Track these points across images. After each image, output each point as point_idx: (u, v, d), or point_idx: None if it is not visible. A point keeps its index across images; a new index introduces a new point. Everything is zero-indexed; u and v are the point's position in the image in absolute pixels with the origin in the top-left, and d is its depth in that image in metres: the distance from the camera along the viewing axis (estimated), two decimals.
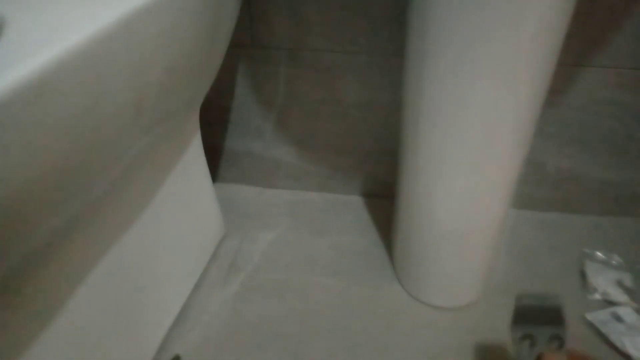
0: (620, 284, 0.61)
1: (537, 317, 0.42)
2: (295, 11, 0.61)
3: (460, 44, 0.39)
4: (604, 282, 0.62)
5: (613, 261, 0.64)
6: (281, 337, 0.57)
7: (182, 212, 0.57)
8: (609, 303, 0.60)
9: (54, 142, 0.28)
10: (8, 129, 0.25)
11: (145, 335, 0.52)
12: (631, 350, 0.53)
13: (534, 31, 0.37)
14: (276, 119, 0.71)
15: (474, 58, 0.39)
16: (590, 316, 0.58)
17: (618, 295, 0.60)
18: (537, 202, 0.73)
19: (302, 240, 0.70)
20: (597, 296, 0.60)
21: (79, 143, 0.31)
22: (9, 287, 0.34)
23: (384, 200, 0.76)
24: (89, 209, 0.40)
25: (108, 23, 0.31)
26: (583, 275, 0.63)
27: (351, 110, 0.68)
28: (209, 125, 0.73)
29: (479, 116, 0.42)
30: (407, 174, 0.52)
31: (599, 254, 0.65)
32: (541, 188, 0.71)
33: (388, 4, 0.58)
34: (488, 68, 0.39)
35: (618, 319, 0.57)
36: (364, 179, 0.76)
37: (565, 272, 0.64)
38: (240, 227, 0.72)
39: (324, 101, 0.68)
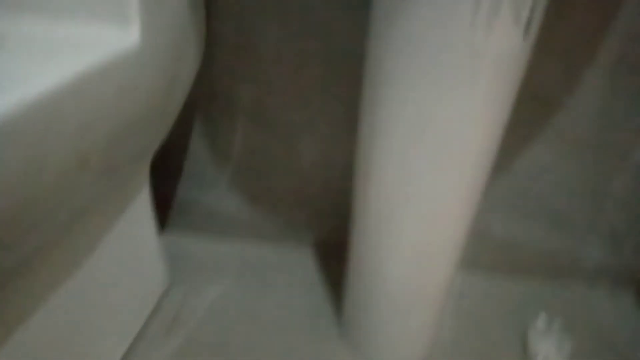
0: (560, 349, 0.63)
1: None
2: (257, 68, 0.62)
3: (408, 116, 0.40)
4: (545, 347, 0.63)
5: (555, 326, 0.66)
6: None
7: (124, 262, 0.55)
8: None
9: None
10: None
11: None
12: None
13: (483, 100, 0.39)
14: (231, 171, 0.71)
15: (422, 129, 0.40)
16: None
17: None
18: (482, 266, 0.75)
19: (249, 295, 0.69)
20: None
21: (16, 196, 0.30)
22: None
23: (335, 257, 0.76)
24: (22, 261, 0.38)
25: (59, 81, 0.31)
26: (525, 339, 0.65)
27: (307, 167, 0.69)
28: (161, 173, 0.72)
29: (427, 179, 0.43)
30: (358, 233, 0.53)
31: (541, 319, 0.67)
32: (486, 252, 0.73)
33: (349, 82, 0.60)
34: (436, 133, 0.40)
35: None
36: (316, 235, 0.76)
37: (508, 337, 0.66)
38: (186, 279, 0.70)
39: (281, 157, 0.69)
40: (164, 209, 0.76)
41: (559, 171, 0.65)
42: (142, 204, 0.57)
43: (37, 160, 0.30)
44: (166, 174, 0.73)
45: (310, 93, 0.63)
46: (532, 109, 0.61)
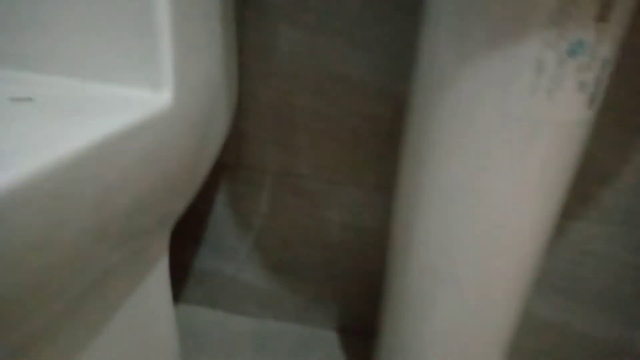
0: None
1: None
2: (284, 136, 0.60)
3: (456, 187, 0.37)
4: None
5: None
6: None
7: (136, 336, 0.51)
8: None
9: None
10: None
11: None
12: None
13: (540, 172, 0.35)
14: (253, 241, 0.68)
15: (471, 202, 0.37)
16: None
17: None
18: (526, 350, 0.68)
19: None
20: None
21: (23, 269, 0.26)
22: None
23: (361, 338, 0.70)
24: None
25: (84, 143, 0.28)
26: None
27: (334, 239, 0.65)
28: (179, 241, 0.69)
29: (476, 258, 0.39)
30: (391, 317, 0.48)
31: None
32: (527, 337, 0.67)
33: (377, 141, 0.58)
34: (487, 207, 0.37)
35: None
36: (342, 313, 0.71)
37: None
38: (198, 356, 0.65)
39: (306, 227, 0.65)
40: (180, 277, 0.72)
41: (605, 251, 0.60)
42: (159, 275, 0.54)
43: (51, 231, 0.27)
44: (183, 241, 0.70)
45: (339, 158, 0.60)
46: (582, 185, 0.57)
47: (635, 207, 0.57)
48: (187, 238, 0.69)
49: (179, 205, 0.48)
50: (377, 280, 0.65)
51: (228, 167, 0.63)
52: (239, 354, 0.66)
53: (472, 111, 0.33)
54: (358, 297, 0.69)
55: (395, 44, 0.53)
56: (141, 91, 0.37)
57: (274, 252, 0.68)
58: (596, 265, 0.61)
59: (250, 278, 0.70)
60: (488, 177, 0.35)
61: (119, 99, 0.36)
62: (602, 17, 0.28)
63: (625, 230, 0.59)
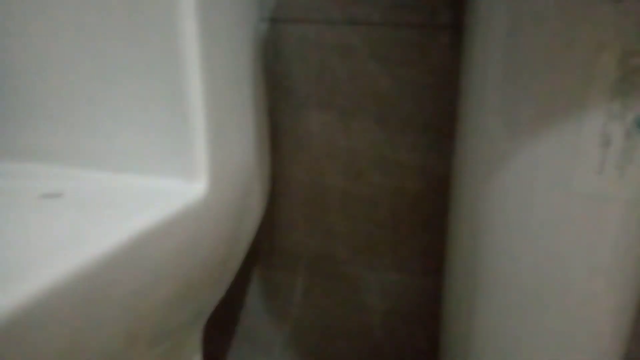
0: None
1: None
2: (319, 220, 0.58)
3: (519, 274, 0.33)
4: None
5: None
6: None
7: None
8: None
9: None
10: None
11: None
12: None
13: (611, 254, 0.31)
14: (289, 334, 0.63)
15: (538, 288, 0.33)
16: None
17: None
18: None
19: None
20: None
21: None
22: None
23: None
24: None
25: (114, 242, 0.27)
26: None
27: (376, 329, 0.61)
28: (211, 334, 0.65)
29: (545, 352, 0.34)
30: None
31: None
32: None
33: (417, 220, 0.55)
34: (555, 294, 0.33)
35: None
36: None
37: None
38: None
39: (346, 317, 0.61)
40: None
41: None
42: None
43: (78, 339, 0.25)
44: (215, 334, 0.66)
45: (377, 240, 0.57)
46: None
47: None
48: (219, 331, 0.65)
49: (213, 299, 0.45)
50: None
51: (261, 254, 0.61)
52: None
53: (530, 191, 0.31)
54: None
55: (430, 120, 0.52)
56: (174, 182, 0.36)
57: (311, 345, 0.63)
58: None
59: None
60: (557, 260, 0.32)
61: (152, 191, 0.35)
62: None
63: None
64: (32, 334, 0.21)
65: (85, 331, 0.25)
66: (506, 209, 0.33)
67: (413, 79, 0.51)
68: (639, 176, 0.28)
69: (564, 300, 0.32)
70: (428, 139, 0.52)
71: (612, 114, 0.26)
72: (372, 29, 0.51)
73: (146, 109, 0.35)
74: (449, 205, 0.41)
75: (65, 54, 0.36)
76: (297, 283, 0.61)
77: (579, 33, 0.26)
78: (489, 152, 0.33)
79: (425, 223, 0.55)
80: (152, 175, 0.37)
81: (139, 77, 0.35)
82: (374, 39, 0.51)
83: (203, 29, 0.33)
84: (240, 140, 0.42)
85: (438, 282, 0.57)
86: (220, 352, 0.67)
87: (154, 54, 0.34)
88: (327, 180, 0.56)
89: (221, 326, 0.65)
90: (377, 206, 0.56)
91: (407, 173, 0.54)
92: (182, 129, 0.35)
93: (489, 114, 0.32)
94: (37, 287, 0.22)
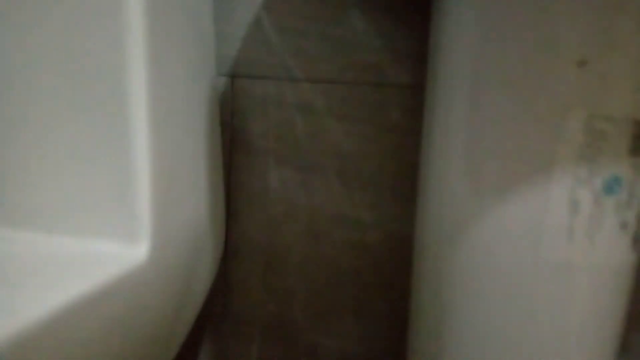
0: None
1: None
2: (276, 282, 0.54)
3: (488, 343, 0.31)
4: None
5: None
6: None
7: None
8: None
9: None
10: None
11: None
12: None
13: (581, 321, 0.30)
14: None
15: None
16: None
17: None
18: None
19: None
20: None
21: None
22: None
23: None
24: None
25: (44, 312, 0.23)
26: None
27: None
28: None
29: None
30: None
31: None
32: None
33: (379, 282, 0.53)
34: None
35: None
36: None
37: None
38: None
39: None
40: None
41: None
42: None
43: None
44: None
45: (341, 309, 0.54)
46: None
47: None
48: None
49: None
50: None
51: (213, 319, 0.56)
52: None
53: (497, 257, 0.29)
54: None
55: (392, 179, 0.51)
56: (113, 244, 0.32)
57: None
58: None
59: None
60: (525, 327, 0.30)
61: (88, 255, 0.31)
62: (636, 151, 0.25)
63: None
64: None
65: None
66: (471, 273, 0.31)
67: (374, 138, 0.50)
68: (608, 243, 0.27)
69: None
70: (390, 197, 0.51)
71: (580, 179, 0.26)
72: (333, 87, 0.50)
73: (84, 160, 0.32)
74: (412, 266, 0.40)
75: None
76: (251, 352, 0.56)
77: (544, 96, 0.25)
78: (453, 214, 0.31)
79: (389, 284, 0.53)
80: (89, 236, 0.33)
81: (78, 124, 0.32)
82: (334, 97, 0.50)
83: (152, 77, 0.31)
84: (191, 197, 0.39)
85: (403, 348, 0.54)
86: None
87: (96, 99, 0.31)
88: (285, 239, 0.54)
89: None
90: (338, 267, 0.53)
91: (368, 232, 0.52)
92: (124, 184, 0.32)
93: (453, 176, 0.31)
94: None
